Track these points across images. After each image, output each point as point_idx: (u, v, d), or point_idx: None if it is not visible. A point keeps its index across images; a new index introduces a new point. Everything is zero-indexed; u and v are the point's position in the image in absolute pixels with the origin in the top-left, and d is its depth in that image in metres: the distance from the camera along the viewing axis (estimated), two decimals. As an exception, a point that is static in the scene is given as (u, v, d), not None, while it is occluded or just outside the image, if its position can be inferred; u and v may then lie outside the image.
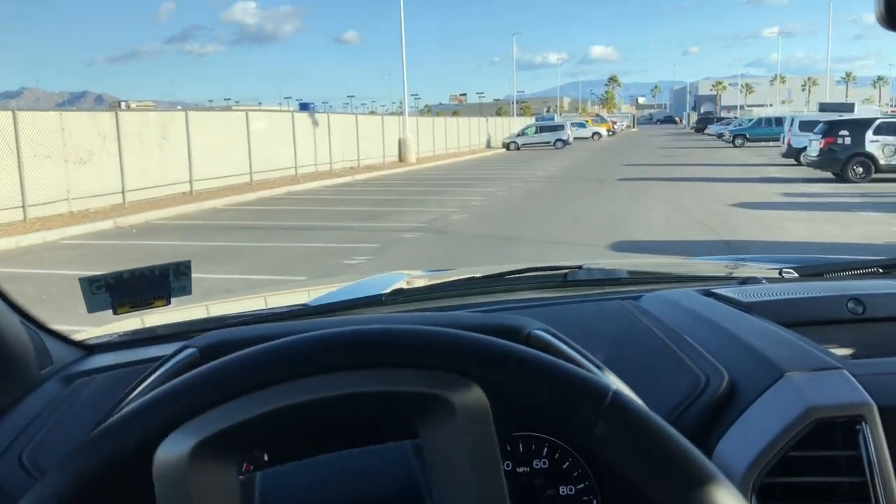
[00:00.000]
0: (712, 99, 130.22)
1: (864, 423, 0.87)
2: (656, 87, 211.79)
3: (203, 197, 17.10)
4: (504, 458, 0.99)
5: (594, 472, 1.02)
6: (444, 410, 0.55)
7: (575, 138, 55.28)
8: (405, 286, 1.58)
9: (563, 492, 1.02)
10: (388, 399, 0.55)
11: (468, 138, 43.57)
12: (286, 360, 0.56)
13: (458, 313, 1.26)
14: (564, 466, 1.02)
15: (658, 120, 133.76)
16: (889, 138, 17.59)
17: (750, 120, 43.34)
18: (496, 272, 1.68)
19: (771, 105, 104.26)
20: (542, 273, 1.67)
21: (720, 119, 64.25)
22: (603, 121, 72.28)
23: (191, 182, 17.78)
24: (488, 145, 47.14)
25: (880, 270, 1.64)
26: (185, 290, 1.14)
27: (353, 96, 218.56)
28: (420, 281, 1.80)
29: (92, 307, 1.07)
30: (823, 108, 28.29)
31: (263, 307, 1.90)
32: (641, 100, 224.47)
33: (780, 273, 1.64)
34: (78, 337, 1.32)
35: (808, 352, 1.00)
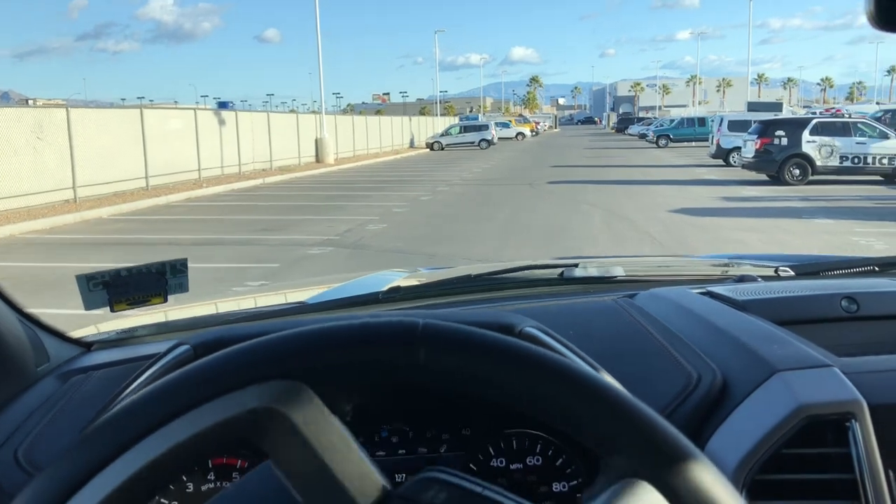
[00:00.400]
0: (630, 100, 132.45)
1: (853, 421, 0.87)
2: (576, 87, 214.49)
3: (88, 205, 14.99)
4: (497, 455, 1.04)
5: (587, 468, 1.03)
6: (278, 420, 0.52)
7: (499, 138, 54.52)
8: (402, 284, 1.61)
9: (556, 488, 1.03)
10: (225, 430, 0.52)
11: (391, 138, 42.01)
12: (129, 425, 0.53)
13: (451, 310, 1.36)
14: (558, 463, 1.04)
15: (578, 120, 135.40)
16: (825, 139, 16.87)
17: (672, 120, 43.25)
18: (492, 270, 1.69)
19: (686, 106, 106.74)
20: (537, 270, 1.71)
21: (640, 119, 64.57)
22: (526, 121, 71.85)
23: (74, 188, 15.59)
24: (411, 145, 45.66)
25: (876, 269, 1.65)
26: (183, 287, 1.14)
27: (272, 95, 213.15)
28: (417, 279, 1.82)
29: (89, 305, 1.07)
30: (752, 107, 27.94)
31: (261, 305, 1.91)
32: (562, 100, 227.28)
33: (775, 271, 1.65)
34: (74, 335, 1.33)
35: (799, 350, 1.01)
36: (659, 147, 37.24)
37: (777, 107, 26.96)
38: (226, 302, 2.11)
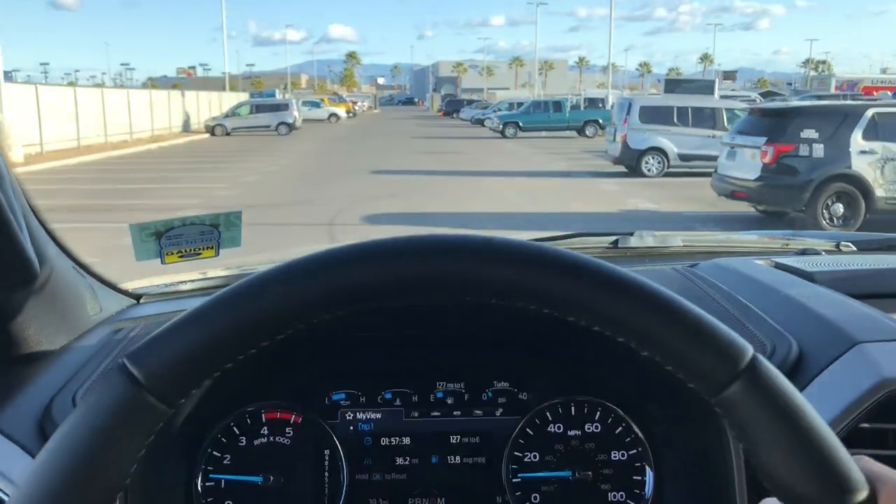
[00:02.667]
0: (453, 81, 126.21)
1: None
2: (396, 67, 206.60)
3: None
4: (555, 420, 1.04)
5: (647, 438, 1.02)
6: None
7: (308, 120, 44.48)
8: None
9: (614, 457, 1.02)
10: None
11: (154, 120, 30.84)
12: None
13: None
14: (617, 432, 1.03)
15: (399, 101, 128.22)
16: (893, 147, 8.70)
17: (518, 104, 35.65)
18: (543, 238, 1.62)
19: (508, 89, 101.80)
20: (590, 238, 1.68)
21: (471, 102, 57.13)
22: (342, 100, 62.15)
23: None
24: (186, 129, 34.66)
25: None
26: (235, 241, 1.13)
27: (47, 63, 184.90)
28: None
29: (140, 255, 1.07)
30: (671, 87, 20.21)
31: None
32: (381, 80, 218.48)
33: (837, 246, 1.63)
34: (124, 287, 1.32)
35: (881, 322, 0.96)
36: (506, 137, 29.28)
37: (706, 86, 19.45)
38: (282, 256, 1.76)
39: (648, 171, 15.04)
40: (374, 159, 19.59)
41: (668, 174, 15.01)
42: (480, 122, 41.60)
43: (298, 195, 12.70)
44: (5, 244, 0.88)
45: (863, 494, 0.45)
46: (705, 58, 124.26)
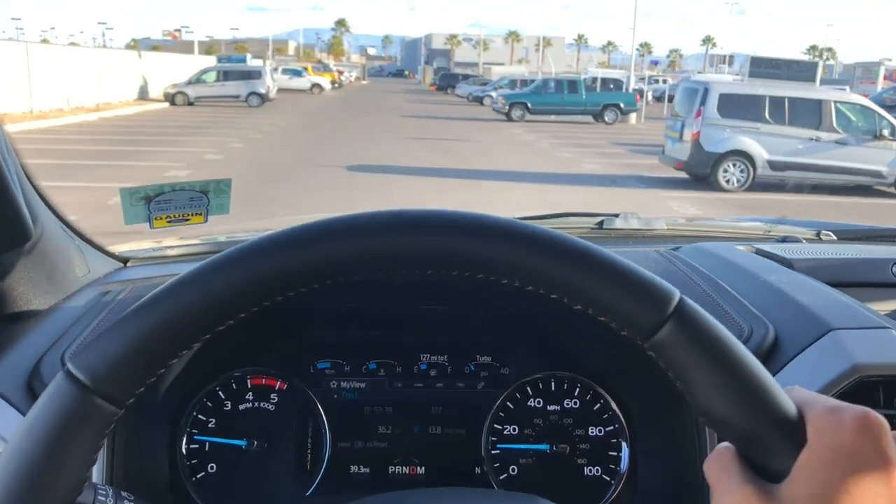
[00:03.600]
0: (446, 54, 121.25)
1: None
2: (387, 38, 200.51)
3: None
4: (535, 395, 1.07)
5: (624, 415, 1.05)
6: None
7: (287, 90, 40.11)
8: None
9: (591, 432, 1.05)
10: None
11: (109, 85, 26.28)
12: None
13: None
14: (595, 408, 1.06)
15: (389, 73, 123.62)
16: None
17: (524, 81, 31.50)
18: (529, 216, 1.58)
19: (503, 64, 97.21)
20: (574, 218, 1.69)
21: (467, 77, 52.72)
22: (327, 69, 57.63)
23: None
24: (142, 97, 30.14)
25: None
26: (224, 208, 1.13)
27: (18, 19, 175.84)
28: None
29: (129, 219, 1.08)
30: (757, 68, 16.04)
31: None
32: (372, 50, 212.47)
33: (818, 235, 1.64)
34: (112, 250, 1.33)
35: (855, 310, 0.99)
36: (513, 120, 25.15)
37: (806, 71, 15.36)
38: (267, 224, 1.90)
39: (727, 182, 11.05)
40: (354, 147, 15.40)
41: (753, 187, 11.03)
42: (479, 101, 37.34)
43: (268, 184, 8.71)
44: (3, 206, 0.89)
45: (792, 419, 0.46)
46: (709, 40, 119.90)
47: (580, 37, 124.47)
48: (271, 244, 0.50)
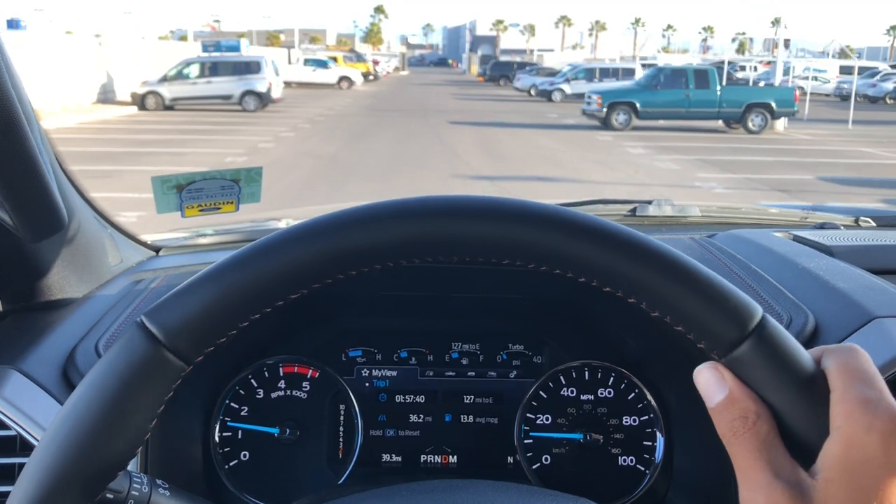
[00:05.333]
0: (491, 41, 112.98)
1: None
2: (428, 25, 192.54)
3: None
4: (568, 384, 1.06)
5: (659, 405, 1.04)
6: None
7: (310, 85, 32.99)
8: None
9: (626, 422, 1.04)
10: None
11: (60, 84, 18.89)
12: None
13: None
14: (629, 397, 1.05)
15: (431, 62, 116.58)
16: None
17: (610, 71, 23.57)
18: (562, 203, 1.58)
19: (553, 51, 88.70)
20: (609, 205, 1.66)
21: (524, 66, 44.79)
22: (360, 59, 50.07)
23: None
24: (106, 99, 22.71)
25: None
26: (255, 197, 1.13)
27: (41, 10, 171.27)
28: None
29: (161, 208, 1.08)
30: None
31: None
32: (413, 39, 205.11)
33: (856, 221, 1.60)
34: (144, 238, 1.33)
35: None
36: (613, 128, 17.28)
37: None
38: (297, 212, 1.95)
39: None
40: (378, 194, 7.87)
41: None
42: (547, 96, 29.44)
43: None
44: (39, 195, 0.90)
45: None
46: (777, 22, 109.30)
47: (637, 20, 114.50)
48: (352, 219, 0.50)
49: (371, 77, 47.05)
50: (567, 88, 28.68)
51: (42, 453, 0.48)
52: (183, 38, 50.95)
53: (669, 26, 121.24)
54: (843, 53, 38.38)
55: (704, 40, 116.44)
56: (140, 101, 20.52)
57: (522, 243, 0.49)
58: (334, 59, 41.23)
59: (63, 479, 0.47)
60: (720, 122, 18.30)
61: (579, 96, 24.92)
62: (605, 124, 17.60)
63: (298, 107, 22.43)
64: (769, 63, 39.61)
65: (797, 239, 1.27)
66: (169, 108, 20.42)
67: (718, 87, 17.52)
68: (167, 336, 0.48)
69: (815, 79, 32.86)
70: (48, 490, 0.47)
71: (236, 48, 27.81)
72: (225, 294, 0.49)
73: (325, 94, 30.58)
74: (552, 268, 0.50)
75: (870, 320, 0.88)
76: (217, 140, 14.08)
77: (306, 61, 37.41)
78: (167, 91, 20.58)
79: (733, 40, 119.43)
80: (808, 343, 0.88)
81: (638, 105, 17.60)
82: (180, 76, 20.97)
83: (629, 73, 28.16)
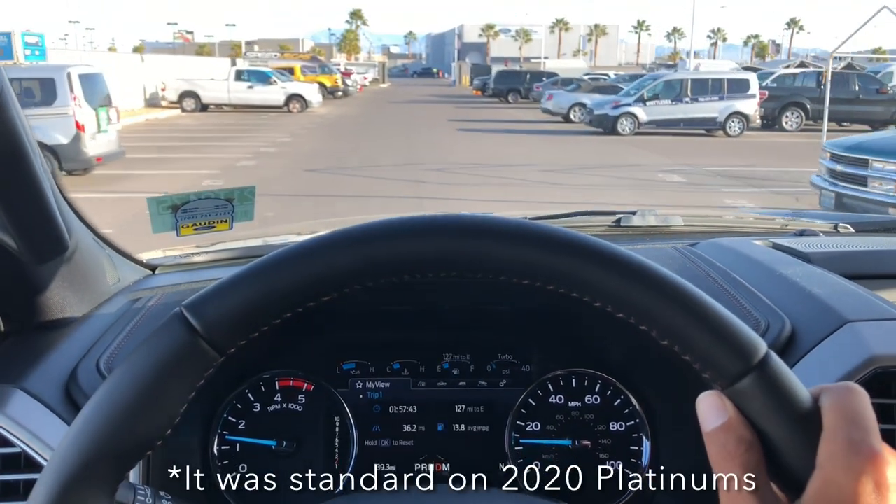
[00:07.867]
0: (481, 48, 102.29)
1: None
2: (410, 33, 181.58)
3: None
4: (556, 391, 1.08)
5: (645, 411, 1.06)
6: None
7: (245, 108, 22.04)
8: None
9: (613, 428, 1.06)
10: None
11: None
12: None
13: None
14: (615, 404, 1.07)
15: (415, 72, 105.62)
16: None
17: (656, 80, 12.70)
18: (545, 215, 1.65)
19: (548, 58, 77.86)
20: (593, 217, 1.69)
21: (539, 76, 33.71)
22: (325, 70, 38.51)
23: None
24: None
25: None
26: (248, 215, 1.15)
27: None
28: None
29: (157, 227, 1.09)
30: None
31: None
32: (395, 48, 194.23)
33: (835, 228, 1.64)
34: (140, 258, 1.34)
35: (871, 302, 0.99)
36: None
37: None
38: (292, 230, 2.03)
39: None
40: None
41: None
42: (608, 125, 18.27)
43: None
44: (43, 220, 0.93)
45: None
46: (794, 23, 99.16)
47: (640, 23, 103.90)
48: (392, 230, 0.53)
49: (339, 93, 35.86)
50: (641, 114, 17.55)
51: (77, 431, 0.50)
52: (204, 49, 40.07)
53: (676, 29, 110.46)
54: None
55: (714, 44, 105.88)
56: None
57: (555, 271, 0.51)
58: (290, 71, 30.11)
59: (97, 453, 0.50)
60: None
61: (660, 124, 16.97)
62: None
63: (133, 177, 11.20)
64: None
65: (776, 246, 1.30)
66: None
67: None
68: (204, 326, 0.51)
69: None
70: (80, 464, 0.49)
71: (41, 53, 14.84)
72: (264, 292, 0.51)
73: (251, 124, 19.37)
74: (558, 287, 0.52)
75: (843, 324, 0.91)
76: None
77: (239, 74, 26.09)
78: None
79: (745, 44, 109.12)
80: (785, 347, 0.92)
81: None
82: None
83: (737, 85, 17.27)
